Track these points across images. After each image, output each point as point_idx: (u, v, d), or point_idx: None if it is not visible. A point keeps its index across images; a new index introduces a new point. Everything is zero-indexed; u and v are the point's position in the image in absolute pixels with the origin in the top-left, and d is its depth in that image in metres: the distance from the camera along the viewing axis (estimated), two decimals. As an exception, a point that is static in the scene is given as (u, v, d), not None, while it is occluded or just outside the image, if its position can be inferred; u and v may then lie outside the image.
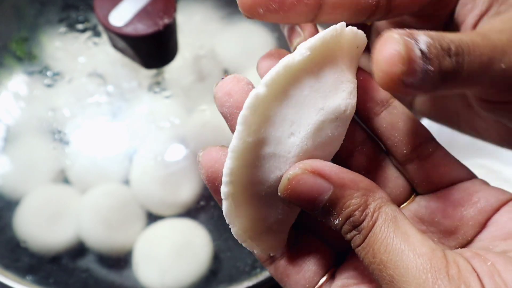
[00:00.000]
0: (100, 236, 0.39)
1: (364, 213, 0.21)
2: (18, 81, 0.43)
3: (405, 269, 0.20)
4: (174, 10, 0.35)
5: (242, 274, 0.40)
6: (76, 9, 0.45)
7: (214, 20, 0.46)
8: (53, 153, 0.41)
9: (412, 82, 0.19)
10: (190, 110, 0.43)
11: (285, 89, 0.21)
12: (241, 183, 0.22)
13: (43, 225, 0.40)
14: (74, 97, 0.42)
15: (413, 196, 0.25)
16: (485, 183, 0.24)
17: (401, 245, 0.20)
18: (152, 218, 0.41)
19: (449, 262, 0.20)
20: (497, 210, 0.23)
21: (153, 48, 0.37)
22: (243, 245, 0.24)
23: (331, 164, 0.21)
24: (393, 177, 0.25)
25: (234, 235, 0.23)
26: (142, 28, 0.35)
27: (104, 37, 0.44)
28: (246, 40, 0.46)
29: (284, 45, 0.45)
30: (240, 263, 0.40)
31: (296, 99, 0.21)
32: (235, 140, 0.21)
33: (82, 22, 0.44)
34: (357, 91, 0.23)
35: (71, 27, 0.44)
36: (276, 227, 0.24)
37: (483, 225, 0.23)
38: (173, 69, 0.43)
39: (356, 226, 0.21)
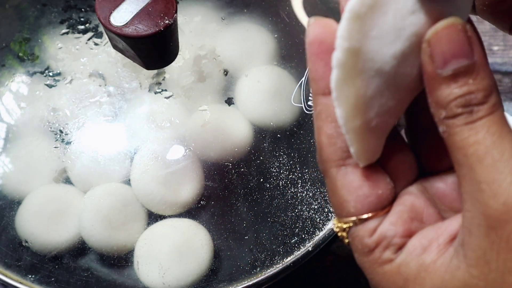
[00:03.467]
0: (101, 235, 0.40)
1: (487, 99, 0.20)
2: (20, 81, 0.44)
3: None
4: (175, 10, 0.35)
5: (242, 273, 0.40)
6: (77, 10, 0.45)
7: (215, 20, 0.46)
8: (54, 153, 0.42)
9: None
10: (190, 110, 0.43)
11: None
12: (358, 52, 0.21)
13: (45, 224, 0.40)
14: (75, 98, 0.42)
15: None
16: None
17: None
18: (153, 217, 0.41)
19: None
20: None
21: (153, 48, 0.37)
22: (346, 137, 0.22)
23: None
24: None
25: (339, 119, 0.22)
26: (142, 29, 0.35)
27: (105, 38, 0.44)
28: (247, 40, 0.46)
29: (284, 46, 0.46)
30: (241, 262, 0.40)
31: None
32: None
33: (83, 23, 0.45)
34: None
35: (73, 28, 0.45)
36: (376, 124, 0.23)
37: None
38: (173, 69, 0.43)
39: (473, 105, 0.20)
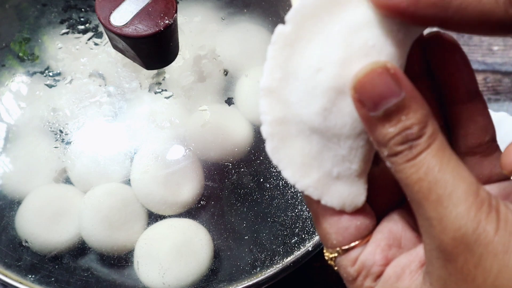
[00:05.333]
0: (102, 235, 0.40)
1: (423, 131, 0.21)
2: (20, 81, 0.44)
3: (456, 190, 0.20)
4: (175, 10, 0.36)
5: (242, 273, 0.40)
6: (77, 10, 0.45)
7: (215, 20, 0.46)
8: (54, 153, 0.42)
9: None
10: (190, 110, 0.43)
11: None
12: (283, 120, 0.22)
13: (45, 224, 0.40)
14: (75, 98, 0.43)
15: None
16: None
17: (455, 168, 0.21)
18: (153, 217, 0.41)
19: (490, 196, 0.21)
20: None
21: (153, 48, 0.37)
22: (307, 192, 0.23)
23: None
24: None
25: (290, 180, 0.23)
26: (142, 29, 0.35)
27: (105, 38, 0.44)
28: (247, 40, 0.46)
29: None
30: (240, 262, 0.40)
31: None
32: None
33: (83, 23, 0.45)
34: (453, 76, 0.24)
35: (73, 28, 0.45)
36: (339, 173, 0.23)
37: None
38: (173, 69, 0.43)
39: (410, 140, 0.21)
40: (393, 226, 0.25)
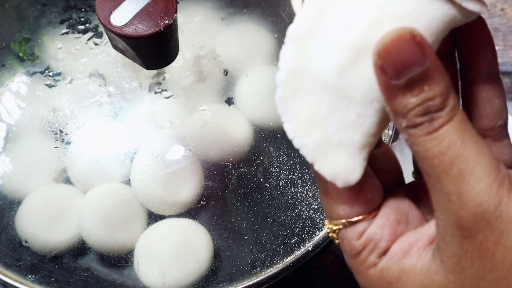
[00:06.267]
0: (101, 235, 0.40)
1: (446, 103, 0.20)
2: (20, 81, 0.44)
3: (478, 166, 0.20)
4: (175, 10, 0.36)
5: (242, 273, 0.40)
6: (77, 10, 0.45)
7: (215, 20, 0.46)
8: (54, 153, 0.42)
9: None
10: (190, 110, 0.43)
11: None
12: (300, 70, 0.22)
13: (45, 224, 0.40)
14: (75, 98, 0.43)
15: None
16: None
17: (477, 143, 0.20)
18: (153, 217, 0.41)
19: (511, 174, 0.21)
20: None
21: (154, 48, 0.37)
22: (302, 152, 0.22)
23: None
24: None
25: (288, 134, 0.22)
26: (142, 29, 0.35)
27: (105, 38, 0.44)
28: (247, 40, 0.46)
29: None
30: (241, 262, 0.40)
31: None
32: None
33: (83, 23, 0.45)
34: (479, 55, 0.23)
35: (73, 28, 0.45)
36: (340, 140, 0.22)
37: None
38: (173, 69, 0.43)
39: (432, 112, 0.20)
40: (400, 202, 0.25)
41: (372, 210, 0.24)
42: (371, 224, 0.24)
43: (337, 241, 0.25)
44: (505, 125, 0.25)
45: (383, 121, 0.22)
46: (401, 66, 0.20)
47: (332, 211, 0.24)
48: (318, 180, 0.24)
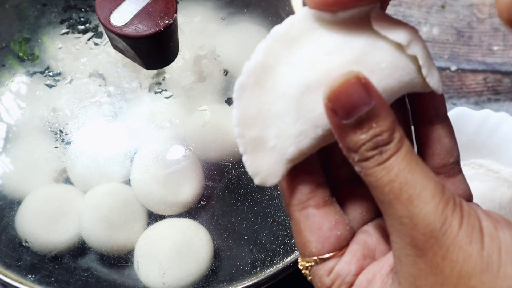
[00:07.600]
0: (102, 235, 0.40)
1: (392, 136, 0.22)
2: (20, 81, 0.44)
3: (424, 190, 0.22)
4: (175, 10, 0.36)
5: (242, 273, 0.40)
6: (77, 10, 0.45)
7: (215, 20, 0.46)
8: (54, 153, 0.42)
9: None
10: (190, 110, 0.43)
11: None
12: (269, 69, 0.23)
13: (45, 224, 0.40)
14: (75, 98, 0.43)
15: None
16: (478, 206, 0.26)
17: (423, 169, 0.22)
18: (153, 217, 0.41)
19: (454, 195, 0.23)
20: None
21: (154, 48, 0.37)
22: (237, 141, 0.24)
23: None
24: None
25: (233, 119, 0.23)
26: (142, 29, 0.35)
27: (105, 38, 0.44)
28: (247, 40, 0.46)
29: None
30: (240, 262, 0.40)
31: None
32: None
33: (83, 23, 0.45)
34: (425, 99, 0.25)
35: (73, 28, 0.45)
36: (274, 146, 0.24)
37: None
38: (173, 69, 0.43)
39: (381, 145, 0.22)
40: (368, 238, 0.26)
41: (342, 247, 0.26)
42: (340, 261, 0.25)
43: (309, 278, 0.27)
44: (457, 162, 0.27)
45: (317, 146, 0.24)
46: (350, 107, 0.22)
47: (305, 249, 0.26)
48: (291, 219, 0.26)
